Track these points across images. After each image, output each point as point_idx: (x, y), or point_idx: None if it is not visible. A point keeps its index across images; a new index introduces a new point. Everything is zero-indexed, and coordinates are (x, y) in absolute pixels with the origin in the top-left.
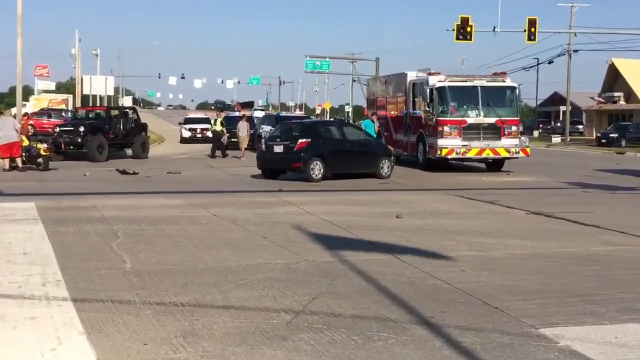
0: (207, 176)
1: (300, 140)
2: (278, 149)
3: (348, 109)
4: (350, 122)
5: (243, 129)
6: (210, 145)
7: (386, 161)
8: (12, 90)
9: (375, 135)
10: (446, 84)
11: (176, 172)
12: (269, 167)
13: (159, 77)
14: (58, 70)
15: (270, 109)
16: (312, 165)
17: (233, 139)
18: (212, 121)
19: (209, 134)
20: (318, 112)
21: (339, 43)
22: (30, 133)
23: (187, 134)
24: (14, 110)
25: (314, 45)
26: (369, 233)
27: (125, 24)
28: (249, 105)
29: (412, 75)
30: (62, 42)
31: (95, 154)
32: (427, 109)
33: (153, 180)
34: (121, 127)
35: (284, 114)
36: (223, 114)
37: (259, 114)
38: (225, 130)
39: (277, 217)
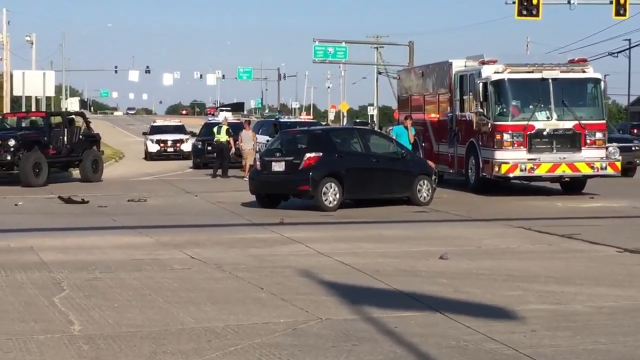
0: (182, 205)
1: (308, 155)
2: (278, 167)
3: (372, 111)
4: (376, 129)
5: (248, 140)
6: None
7: (425, 182)
8: None
9: (409, 147)
10: (505, 76)
11: (140, 199)
12: (265, 191)
13: (116, 72)
14: None
15: (266, 111)
16: (324, 189)
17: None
18: (216, 129)
19: (185, 147)
20: (331, 116)
21: (358, 23)
22: None
23: (154, 148)
24: None
25: (326, 26)
26: (403, 281)
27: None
28: (238, 108)
29: (459, 65)
30: None
31: (30, 176)
32: (479, 110)
33: (109, 211)
34: (65, 139)
35: (285, 119)
36: (227, 119)
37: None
38: (232, 142)
39: (277, 260)
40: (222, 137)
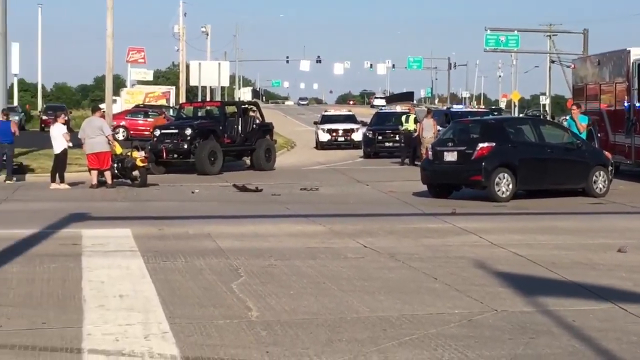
0: (354, 194)
1: (480, 145)
2: (450, 157)
3: (544, 100)
4: (549, 118)
5: (428, 128)
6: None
7: (601, 173)
8: (99, 82)
9: (584, 137)
10: None
11: (313, 188)
12: (437, 181)
13: (287, 62)
14: (156, 55)
15: (436, 101)
16: (497, 179)
17: (387, 144)
18: (403, 118)
19: (356, 136)
20: (502, 105)
21: (530, 10)
22: (122, 137)
23: (325, 137)
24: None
25: (497, 14)
26: (580, 273)
27: None
28: (407, 97)
29: (637, 53)
30: (162, 18)
31: (206, 165)
32: None
33: (282, 199)
34: (239, 128)
35: (457, 108)
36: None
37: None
38: (420, 130)
39: (450, 250)
40: (410, 125)
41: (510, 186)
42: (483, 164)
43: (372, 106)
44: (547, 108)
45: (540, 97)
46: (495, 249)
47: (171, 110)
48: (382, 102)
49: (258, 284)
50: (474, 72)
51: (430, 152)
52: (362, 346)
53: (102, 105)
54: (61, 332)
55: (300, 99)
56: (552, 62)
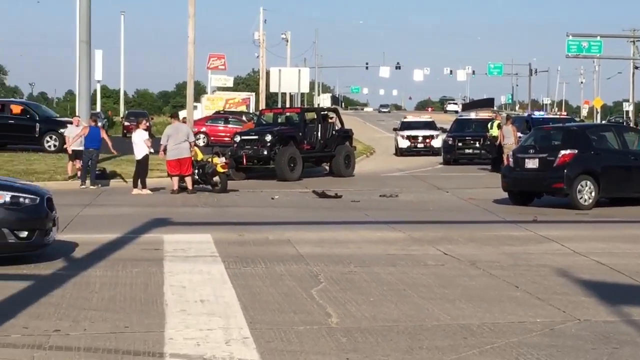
0: (434, 201)
1: (562, 152)
2: (531, 164)
3: (627, 107)
4: (632, 125)
5: (509, 135)
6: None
7: None
8: (180, 89)
9: None
10: None
11: (392, 195)
12: (518, 188)
13: (367, 68)
14: (236, 62)
15: (517, 108)
16: (579, 187)
17: (467, 151)
18: (489, 124)
19: (435, 143)
20: (584, 112)
21: (614, 15)
22: (202, 144)
23: (404, 144)
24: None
25: (579, 20)
26: None
27: None
28: (487, 104)
29: None
30: (243, 25)
31: (286, 171)
32: None
33: (362, 206)
34: (319, 135)
35: (539, 114)
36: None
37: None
38: (502, 136)
39: (532, 258)
40: (495, 131)
41: (593, 194)
42: (565, 171)
43: (446, 111)
44: (630, 115)
45: (623, 103)
46: (577, 257)
47: (251, 117)
48: (456, 107)
49: (338, 291)
50: (556, 79)
51: (511, 159)
52: (443, 354)
53: (182, 112)
54: (143, 336)
55: (382, 106)
56: (636, 68)
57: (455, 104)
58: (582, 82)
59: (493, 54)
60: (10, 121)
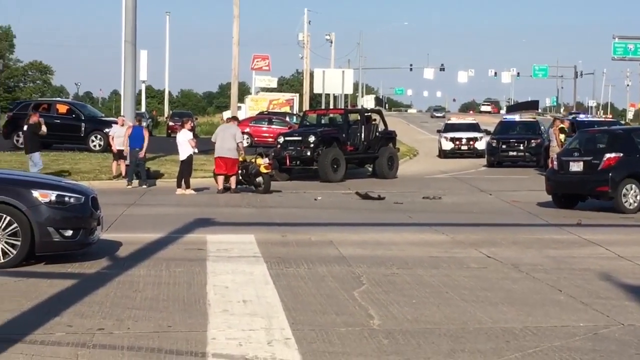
0: (477, 203)
1: (607, 155)
2: (576, 167)
3: None
4: None
5: (553, 137)
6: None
7: None
8: (224, 89)
9: None
10: None
11: (435, 197)
12: (562, 191)
13: (411, 70)
14: (280, 63)
15: (562, 110)
16: (624, 190)
17: (512, 153)
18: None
19: (479, 145)
20: (630, 115)
21: None
22: (246, 144)
23: (448, 146)
24: (225, 115)
25: (625, 22)
26: None
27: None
28: (531, 106)
29: None
30: (287, 26)
31: (329, 172)
32: None
33: (404, 207)
34: (362, 136)
35: (584, 117)
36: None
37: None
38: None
39: (575, 262)
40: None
41: (638, 197)
42: (610, 174)
43: (480, 112)
44: None
45: None
46: (621, 262)
47: (295, 118)
48: (489, 108)
49: (380, 292)
50: (601, 81)
51: (555, 162)
52: (485, 357)
53: (226, 113)
54: (186, 336)
55: (435, 110)
56: None
57: (489, 104)
58: (628, 85)
59: (538, 56)
60: (56, 121)
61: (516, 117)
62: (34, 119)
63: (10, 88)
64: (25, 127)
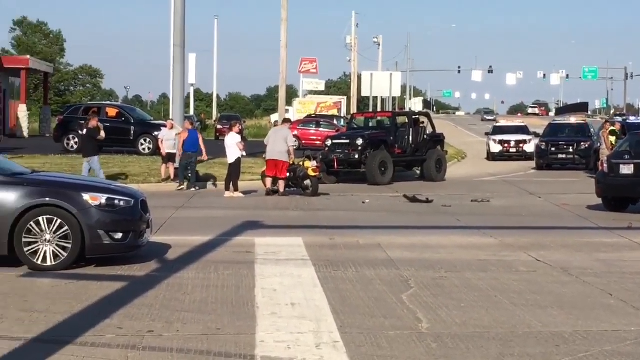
0: (526, 206)
1: None
2: (626, 169)
3: None
4: None
5: (602, 140)
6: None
7: None
8: (272, 92)
9: None
10: None
11: (484, 200)
12: (613, 194)
13: (459, 72)
14: (328, 65)
15: (611, 112)
16: None
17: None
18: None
19: (528, 147)
20: None
21: None
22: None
23: (496, 148)
24: (273, 118)
25: None
26: None
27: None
28: (581, 108)
29: None
30: (335, 29)
31: (377, 175)
32: None
33: (453, 210)
34: (410, 139)
35: (634, 119)
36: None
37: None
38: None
39: (626, 266)
40: (612, 140)
41: None
42: None
43: (527, 114)
44: None
45: None
46: None
47: (342, 121)
48: (536, 110)
49: (428, 296)
50: None
51: (605, 165)
52: None
53: (274, 116)
54: (235, 338)
55: (486, 112)
56: None
57: (535, 107)
58: None
59: (587, 57)
60: (105, 124)
61: (571, 119)
62: (93, 123)
63: (60, 92)
64: (84, 131)
